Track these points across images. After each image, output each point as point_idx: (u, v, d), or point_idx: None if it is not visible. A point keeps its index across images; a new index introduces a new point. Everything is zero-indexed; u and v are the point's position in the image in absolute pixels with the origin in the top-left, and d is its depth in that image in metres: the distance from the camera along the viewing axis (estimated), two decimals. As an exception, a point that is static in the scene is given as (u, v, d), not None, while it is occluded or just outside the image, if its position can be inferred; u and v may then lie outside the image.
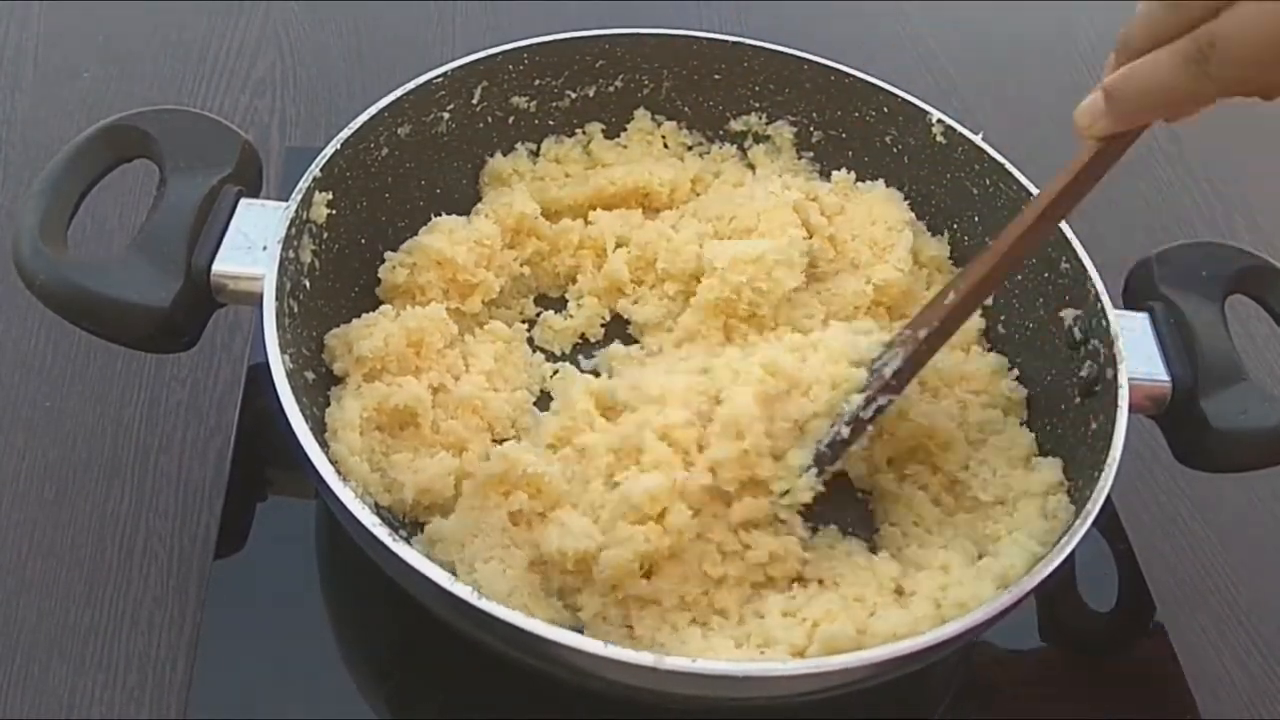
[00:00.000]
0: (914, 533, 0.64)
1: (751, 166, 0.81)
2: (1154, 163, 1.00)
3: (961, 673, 0.65)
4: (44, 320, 0.73)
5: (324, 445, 0.57)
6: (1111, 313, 0.64)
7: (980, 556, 0.60)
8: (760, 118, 0.81)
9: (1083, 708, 0.65)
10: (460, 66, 0.73)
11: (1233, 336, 0.67)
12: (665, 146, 0.81)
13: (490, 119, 0.76)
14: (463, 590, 0.49)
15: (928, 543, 0.63)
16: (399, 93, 0.70)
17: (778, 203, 0.73)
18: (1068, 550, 0.54)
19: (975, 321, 0.73)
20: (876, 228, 0.74)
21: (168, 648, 0.62)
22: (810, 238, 0.73)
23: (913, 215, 0.76)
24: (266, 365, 0.56)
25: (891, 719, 0.63)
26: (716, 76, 0.79)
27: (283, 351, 0.57)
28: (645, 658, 0.48)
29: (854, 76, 0.77)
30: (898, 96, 0.76)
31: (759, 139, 0.81)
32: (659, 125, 0.81)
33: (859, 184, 0.77)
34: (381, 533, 0.51)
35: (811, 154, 0.80)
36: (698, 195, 0.79)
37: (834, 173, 0.78)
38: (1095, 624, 0.69)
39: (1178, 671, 0.66)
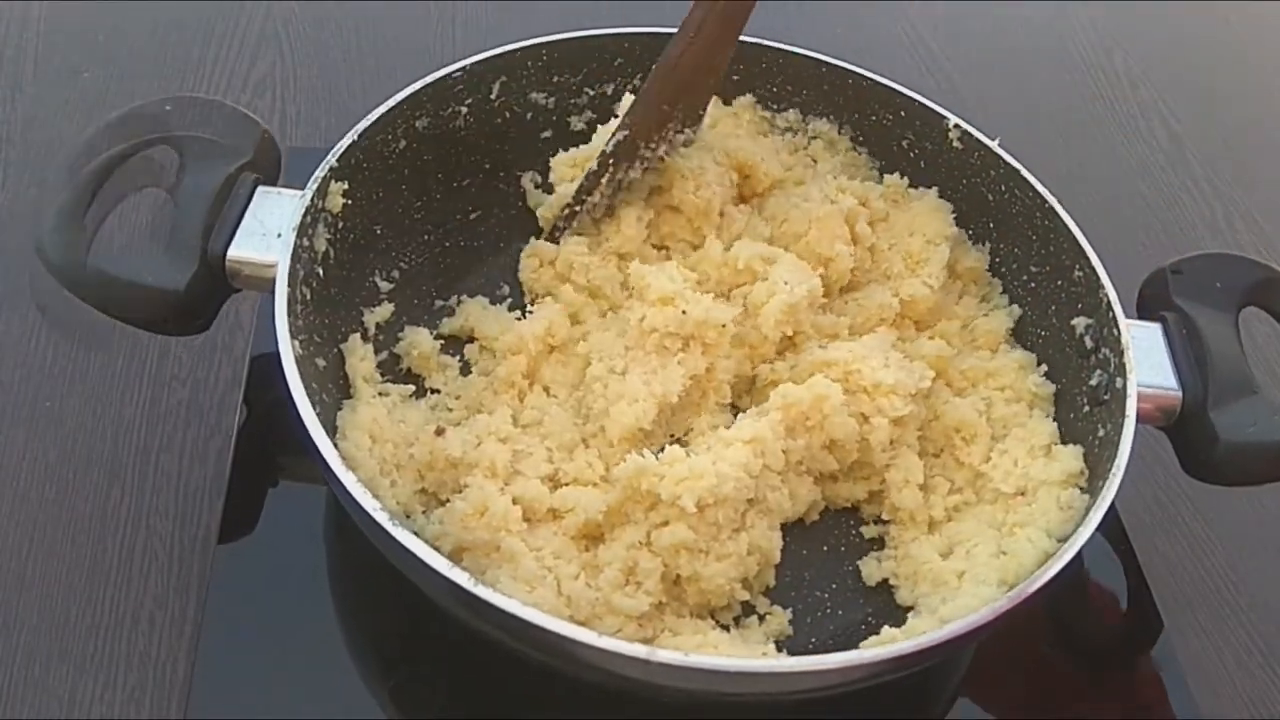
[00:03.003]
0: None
1: (814, 160, 0.79)
2: (1155, 166, 1.00)
3: (962, 673, 0.65)
4: (44, 320, 0.73)
5: (331, 433, 0.57)
6: (1123, 322, 0.64)
7: (1001, 553, 0.60)
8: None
9: (1083, 708, 0.65)
10: (479, 61, 0.73)
11: (1244, 349, 0.66)
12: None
13: (509, 114, 0.76)
14: (459, 576, 0.49)
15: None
16: (417, 85, 0.70)
17: (831, 211, 0.71)
18: (1069, 555, 0.54)
19: (1004, 321, 0.72)
20: (915, 239, 0.72)
21: (168, 648, 0.62)
22: (854, 246, 0.72)
23: (956, 229, 0.73)
24: (271, 355, 0.56)
25: (891, 719, 0.63)
26: (735, 77, 0.79)
27: (293, 338, 0.57)
28: (637, 649, 0.48)
29: (871, 79, 0.76)
30: (915, 100, 0.75)
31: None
32: None
33: (911, 190, 0.75)
34: (382, 517, 0.51)
35: (867, 150, 0.78)
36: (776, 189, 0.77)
37: (887, 176, 0.76)
38: (1097, 625, 0.69)
39: (1178, 671, 0.66)
